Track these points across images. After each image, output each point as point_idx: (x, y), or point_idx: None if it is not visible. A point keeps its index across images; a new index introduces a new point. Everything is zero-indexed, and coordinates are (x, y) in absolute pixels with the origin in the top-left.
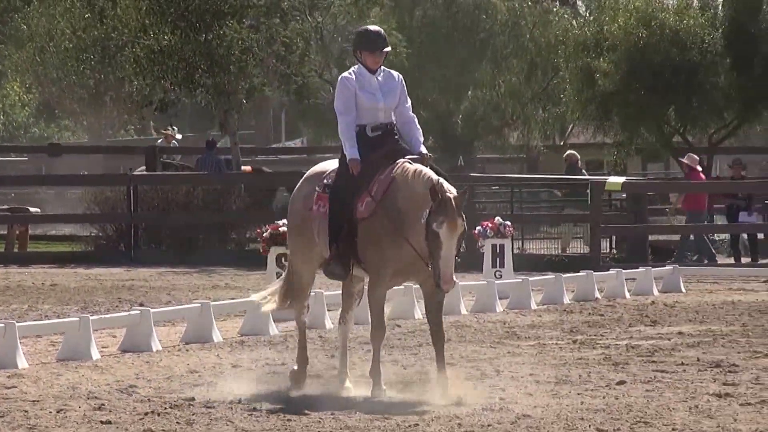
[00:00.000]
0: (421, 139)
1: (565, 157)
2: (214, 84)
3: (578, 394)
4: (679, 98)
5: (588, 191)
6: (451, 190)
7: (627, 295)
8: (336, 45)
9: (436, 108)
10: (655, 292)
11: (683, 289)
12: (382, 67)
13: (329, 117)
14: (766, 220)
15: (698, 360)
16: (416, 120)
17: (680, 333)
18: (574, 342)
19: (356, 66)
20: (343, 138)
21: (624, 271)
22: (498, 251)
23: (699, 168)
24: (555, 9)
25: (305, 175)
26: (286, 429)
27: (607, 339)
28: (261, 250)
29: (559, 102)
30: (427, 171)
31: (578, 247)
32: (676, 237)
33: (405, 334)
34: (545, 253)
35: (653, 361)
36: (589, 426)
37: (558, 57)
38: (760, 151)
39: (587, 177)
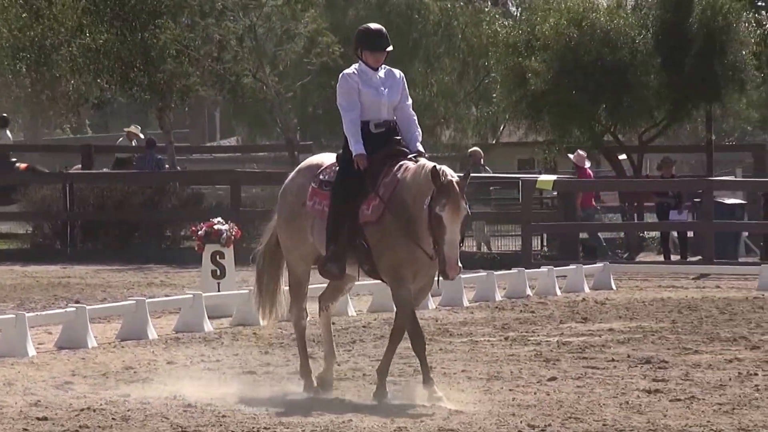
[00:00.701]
0: (420, 137)
1: (469, 153)
2: (149, 83)
3: (510, 390)
4: (609, 97)
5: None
6: (453, 175)
7: (558, 292)
8: (270, 45)
9: None
10: (586, 289)
11: (614, 287)
12: (383, 66)
13: (263, 116)
14: (695, 218)
15: (628, 356)
16: (416, 118)
17: (611, 330)
18: (506, 339)
19: (357, 63)
20: (348, 134)
21: (555, 268)
22: None
23: (587, 165)
24: (487, 9)
25: (298, 167)
26: (220, 425)
27: (539, 336)
28: (196, 248)
29: (491, 101)
30: (429, 162)
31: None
32: (607, 234)
33: (338, 330)
34: (477, 250)
35: (584, 358)
36: (521, 422)
37: (490, 57)
38: (689, 149)
39: (492, 175)
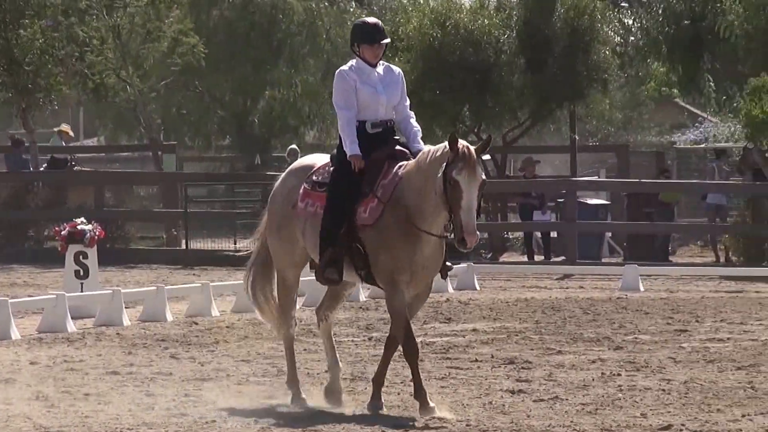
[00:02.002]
0: (420, 134)
1: (287, 152)
2: (12, 82)
3: None
4: (473, 97)
5: None
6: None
7: None
8: (134, 44)
9: (233, 107)
10: (450, 289)
11: (477, 287)
12: (382, 62)
13: (126, 115)
14: (559, 218)
15: (492, 357)
16: (414, 117)
17: (474, 330)
18: (370, 339)
19: (354, 60)
20: (343, 134)
21: None
22: None
23: None
24: (351, 9)
25: (289, 169)
26: (83, 425)
27: None
28: (59, 248)
29: None
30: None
31: None
32: None
33: (202, 331)
34: None
35: (448, 358)
36: (385, 422)
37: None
38: (553, 150)
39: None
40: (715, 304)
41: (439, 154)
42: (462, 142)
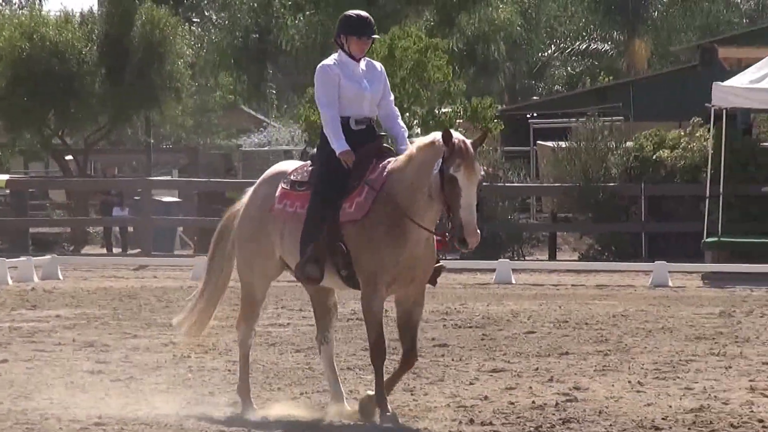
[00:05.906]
0: (406, 133)
1: None
2: None
3: None
4: (58, 104)
5: None
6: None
7: (10, 281)
8: None
9: None
10: (36, 279)
11: (61, 277)
12: (364, 57)
13: None
14: (134, 214)
15: (74, 340)
16: (400, 116)
17: (58, 316)
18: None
19: (337, 53)
20: (329, 131)
21: (6, 260)
22: None
23: None
24: None
25: (263, 177)
26: None
27: None
28: None
29: None
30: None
31: None
32: (56, 229)
33: None
34: None
35: (33, 342)
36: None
37: None
38: (130, 152)
39: None
40: (277, 292)
41: (431, 149)
42: (457, 136)
